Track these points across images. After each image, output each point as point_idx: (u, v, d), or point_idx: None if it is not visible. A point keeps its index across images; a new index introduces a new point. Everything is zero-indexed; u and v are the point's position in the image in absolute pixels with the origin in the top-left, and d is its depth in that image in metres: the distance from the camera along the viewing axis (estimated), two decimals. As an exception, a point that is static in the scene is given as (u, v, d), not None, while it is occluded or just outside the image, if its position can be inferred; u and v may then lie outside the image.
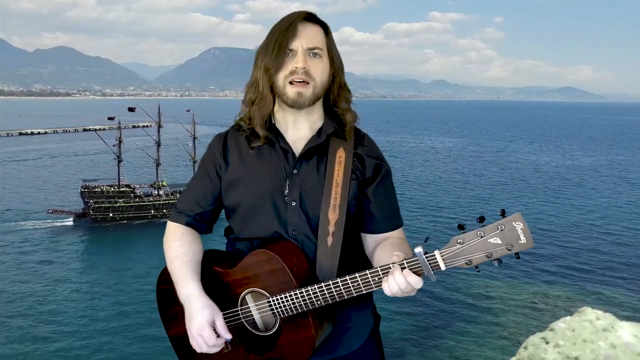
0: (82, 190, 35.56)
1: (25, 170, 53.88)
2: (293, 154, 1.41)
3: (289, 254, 1.33)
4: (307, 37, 1.36)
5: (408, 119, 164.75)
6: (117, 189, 36.21)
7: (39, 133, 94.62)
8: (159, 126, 41.19)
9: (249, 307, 1.36)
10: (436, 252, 1.17)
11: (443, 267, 1.17)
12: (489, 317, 19.41)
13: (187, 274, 1.38)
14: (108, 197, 35.28)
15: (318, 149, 1.42)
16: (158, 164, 38.27)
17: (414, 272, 1.18)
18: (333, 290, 1.26)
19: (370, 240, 1.45)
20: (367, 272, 1.23)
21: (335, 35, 1.45)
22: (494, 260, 1.15)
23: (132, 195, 36.28)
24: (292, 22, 1.36)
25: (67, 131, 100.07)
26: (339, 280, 1.25)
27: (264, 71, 1.37)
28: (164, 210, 34.87)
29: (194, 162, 39.04)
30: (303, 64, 1.34)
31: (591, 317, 0.88)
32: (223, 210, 1.51)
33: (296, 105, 1.37)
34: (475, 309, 20.06)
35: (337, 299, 1.27)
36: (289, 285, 1.29)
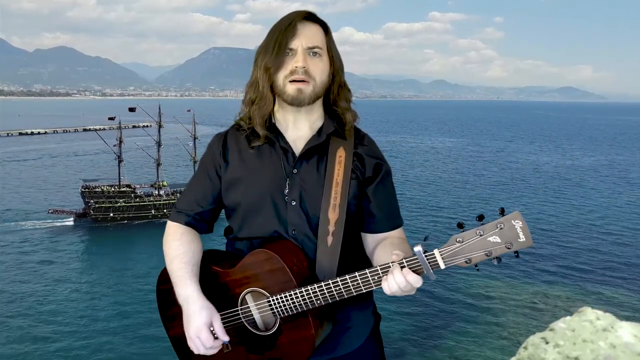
0: (83, 190, 35.55)
1: (25, 170, 53.88)
2: (293, 153, 1.41)
3: (288, 253, 1.33)
4: (306, 37, 1.36)
5: (408, 119, 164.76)
6: (117, 189, 36.21)
7: (39, 133, 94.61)
8: (160, 126, 41.22)
9: (249, 307, 1.36)
10: (435, 251, 1.17)
11: (442, 266, 1.17)
12: (489, 317, 19.41)
13: (185, 274, 1.38)
14: (108, 197, 35.28)
15: (318, 149, 1.42)
16: (158, 164, 38.29)
17: (413, 271, 1.18)
18: (333, 289, 1.26)
19: (370, 239, 1.45)
20: (367, 271, 1.23)
21: (335, 35, 1.45)
22: (494, 258, 1.15)
23: (132, 195, 36.29)
24: (292, 21, 1.36)
25: (67, 131, 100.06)
26: (338, 279, 1.25)
27: (263, 70, 1.37)
28: (165, 210, 34.87)
29: (195, 162, 39.08)
30: (303, 63, 1.34)
31: (591, 317, 0.88)
32: (223, 210, 1.51)
33: (296, 102, 1.37)
34: (475, 309, 20.06)
35: (337, 299, 1.27)
36: (288, 285, 1.29)
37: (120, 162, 37.12)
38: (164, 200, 36.06)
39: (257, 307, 1.35)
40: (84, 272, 25.48)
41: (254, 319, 1.36)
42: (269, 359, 1.37)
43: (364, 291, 1.25)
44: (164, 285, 1.47)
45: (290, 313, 1.30)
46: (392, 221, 1.46)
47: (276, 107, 1.45)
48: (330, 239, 1.35)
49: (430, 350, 17.16)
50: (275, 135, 1.42)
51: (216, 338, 1.34)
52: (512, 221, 1.12)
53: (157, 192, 37.09)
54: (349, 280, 1.24)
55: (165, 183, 38.02)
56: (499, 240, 1.13)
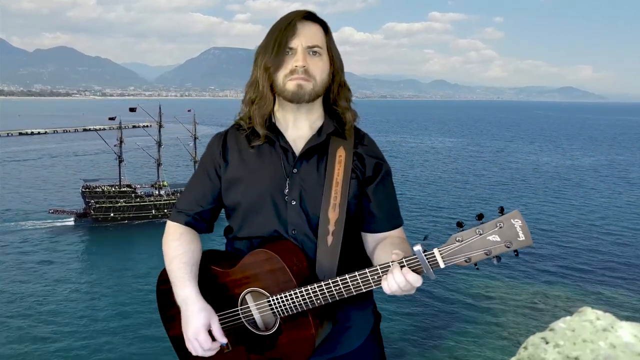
0: (83, 190, 35.56)
1: (25, 170, 53.88)
2: (293, 153, 1.41)
3: (288, 253, 1.33)
4: (306, 36, 1.35)
5: (408, 119, 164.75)
6: (118, 189, 36.22)
7: (39, 133, 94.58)
8: (160, 126, 41.24)
9: (249, 307, 1.36)
10: (435, 250, 1.17)
11: (442, 265, 1.17)
12: (489, 317, 19.40)
13: (184, 275, 1.38)
14: (109, 197, 35.28)
15: (318, 148, 1.41)
16: (159, 164, 38.29)
17: (413, 271, 1.18)
18: (333, 289, 1.26)
19: (370, 239, 1.45)
20: (367, 270, 1.23)
21: (335, 35, 1.45)
22: (493, 257, 1.15)
23: (133, 195, 36.29)
24: (292, 20, 1.36)
25: (67, 131, 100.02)
26: (338, 279, 1.25)
27: (263, 70, 1.37)
28: (165, 210, 34.87)
29: (195, 162, 39.08)
30: (303, 62, 1.34)
31: (591, 317, 0.88)
32: (223, 209, 1.51)
33: (296, 98, 1.36)
34: (475, 309, 20.06)
35: (337, 298, 1.27)
36: (288, 285, 1.29)
37: (120, 162, 37.14)
38: (164, 200, 36.06)
39: (257, 307, 1.35)
40: (84, 272, 25.48)
41: (254, 318, 1.36)
42: (269, 358, 1.37)
43: (364, 291, 1.25)
44: (164, 286, 1.47)
45: (290, 313, 1.30)
46: (392, 221, 1.46)
47: (276, 107, 1.44)
48: (330, 239, 1.35)
49: (430, 350, 17.16)
50: (275, 135, 1.42)
51: (214, 340, 1.35)
52: (512, 220, 1.12)
53: (157, 192, 37.09)
54: (348, 280, 1.24)
55: (165, 183, 38.03)
56: (499, 239, 1.13)
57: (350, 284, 1.24)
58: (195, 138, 41.42)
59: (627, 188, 45.10)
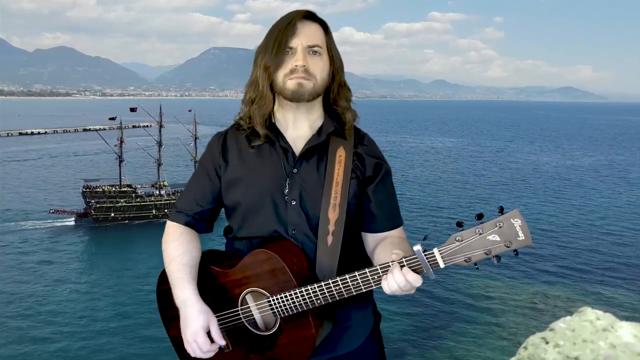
0: (84, 190, 35.56)
1: (25, 170, 53.88)
2: (293, 153, 1.41)
3: (288, 253, 1.33)
4: (306, 35, 1.36)
5: (408, 119, 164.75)
6: (118, 189, 36.22)
7: (39, 133, 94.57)
8: (161, 126, 41.25)
9: (249, 307, 1.36)
10: (435, 250, 1.17)
11: (442, 265, 1.17)
12: (489, 317, 19.40)
13: (183, 277, 1.38)
14: (109, 197, 35.29)
15: (318, 148, 1.41)
16: (159, 164, 38.29)
17: (413, 270, 1.18)
18: (333, 289, 1.26)
19: (370, 239, 1.45)
20: (367, 270, 1.23)
21: (335, 35, 1.45)
22: (493, 257, 1.15)
23: (133, 195, 36.31)
24: (292, 20, 1.36)
25: (67, 131, 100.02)
26: (338, 279, 1.25)
27: (263, 69, 1.37)
28: (166, 210, 34.85)
29: (195, 162, 39.04)
30: (303, 62, 1.34)
31: (591, 317, 0.88)
32: (222, 209, 1.51)
33: (296, 97, 1.36)
34: (475, 309, 20.06)
35: (337, 298, 1.27)
36: (288, 285, 1.29)
37: (121, 162, 37.14)
38: (164, 200, 36.07)
39: (257, 307, 1.35)
40: (84, 273, 25.47)
41: (254, 319, 1.36)
42: (270, 358, 1.37)
43: (364, 291, 1.25)
44: (164, 286, 1.47)
45: (291, 313, 1.30)
46: (392, 221, 1.46)
47: (276, 107, 1.44)
48: (330, 239, 1.35)
49: (430, 350, 17.16)
50: (275, 135, 1.42)
51: (213, 342, 1.35)
52: (511, 220, 1.12)
53: (158, 192, 37.10)
54: (348, 280, 1.24)
55: (166, 183, 38.04)
56: (498, 239, 1.13)
57: (350, 284, 1.24)
58: (195, 138, 41.43)
59: (627, 188, 45.10)
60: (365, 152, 1.44)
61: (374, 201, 1.43)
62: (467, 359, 16.69)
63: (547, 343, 0.86)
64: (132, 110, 44.32)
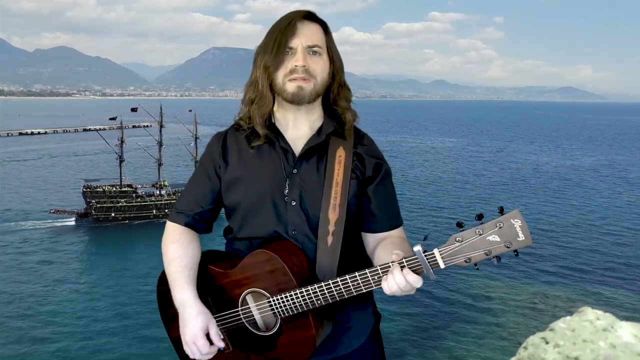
0: (84, 190, 35.56)
1: (25, 170, 53.88)
2: (293, 153, 1.41)
3: (288, 253, 1.33)
4: (306, 35, 1.35)
5: (408, 119, 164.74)
6: (119, 189, 36.23)
7: (39, 133, 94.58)
8: (161, 126, 41.24)
9: (249, 308, 1.36)
10: (435, 251, 1.17)
11: (442, 266, 1.17)
12: (489, 317, 19.40)
13: (182, 279, 1.38)
14: (110, 197, 35.30)
15: (318, 148, 1.41)
16: (160, 164, 38.29)
17: (413, 271, 1.18)
18: (333, 289, 1.26)
19: (370, 239, 1.45)
20: (367, 271, 1.23)
21: (335, 35, 1.45)
22: (493, 257, 1.15)
23: (134, 195, 36.31)
24: (292, 20, 1.36)
25: (67, 131, 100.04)
26: (338, 279, 1.25)
27: (263, 70, 1.37)
28: (166, 210, 34.85)
29: (196, 162, 39.04)
30: (303, 62, 1.34)
31: (591, 317, 0.88)
32: (222, 209, 1.51)
33: (296, 99, 1.36)
34: (475, 310, 20.06)
35: (337, 299, 1.27)
36: (289, 285, 1.29)
37: (121, 162, 37.14)
38: (165, 200, 36.09)
39: (257, 308, 1.35)
40: (84, 273, 25.47)
41: (254, 319, 1.36)
42: (270, 359, 1.37)
43: (364, 291, 1.25)
44: (164, 286, 1.47)
45: (291, 313, 1.30)
46: (392, 221, 1.46)
47: (276, 107, 1.44)
48: (330, 239, 1.35)
49: (430, 350, 17.16)
50: (275, 135, 1.41)
51: (212, 344, 1.35)
52: (511, 220, 1.12)
53: (158, 192, 37.11)
54: (349, 280, 1.24)
55: (166, 183, 38.05)
56: (498, 240, 1.13)
57: (350, 284, 1.24)
58: (196, 138, 41.43)
59: (627, 188, 45.09)
60: (365, 152, 1.44)
61: (374, 201, 1.42)
62: (467, 359, 16.69)
63: (547, 343, 0.86)
64: (133, 110, 44.25)
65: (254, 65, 1.41)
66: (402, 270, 1.18)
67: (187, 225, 1.46)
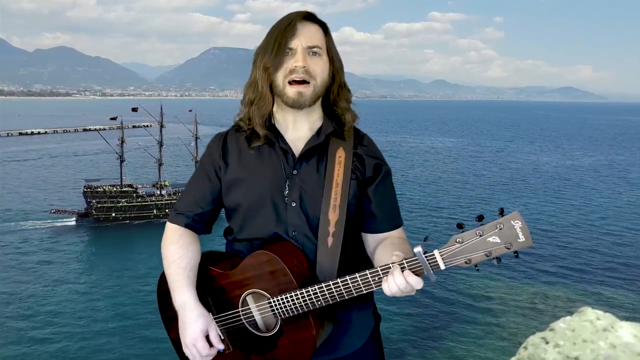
0: (85, 190, 35.57)
1: (25, 170, 53.88)
2: (293, 154, 1.41)
3: (289, 254, 1.33)
4: (306, 36, 1.35)
5: (408, 119, 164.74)
6: (119, 189, 36.24)
7: (39, 133, 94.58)
8: (162, 126, 41.25)
9: (249, 308, 1.36)
10: (435, 252, 1.17)
11: (443, 267, 1.17)
12: (489, 317, 19.40)
13: (182, 280, 1.38)
14: (110, 197, 35.31)
15: (318, 149, 1.41)
16: (160, 164, 38.29)
17: (413, 272, 1.18)
18: (333, 290, 1.26)
19: (370, 239, 1.45)
20: (367, 272, 1.23)
21: (335, 35, 1.45)
22: (493, 259, 1.15)
23: (134, 195, 36.33)
24: (292, 21, 1.36)
25: (67, 131, 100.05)
26: (339, 280, 1.25)
27: (263, 70, 1.37)
28: (167, 210, 34.84)
29: (196, 162, 39.04)
30: (303, 63, 1.34)
31: (591, 317, 0.88)
32: (223, 210, 1.51)
33: (297, 105, 1.37)
34: (475, 310, 20.05)
35: (338, 299, 1.27)
36: (289, 286, 1.29)
37: (122, 162, 37.14)
38: (165, 200, 36.10)
39: (258, 309, 1.35)
40: (84, 273, 25.46)
41: (255, 320, 1.36)
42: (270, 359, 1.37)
43: (365, 292, 1.25)
44: (164, 287, 1.47)
45: (291, 314, 1.30)
46: (393, 221, 1.46)
47: (275, 108, 1.44)
48: (330, 240, 1.35)
49: (430, 351, 17.16)
50: (275, 136, 1.41)
51: (212, 346, 1.35)
52: (512, 221, 1.13)
53: (159, 192, 37.12)
54: (349, 281, 1.24)
55: (167, 183, 38.05)
56: (499, 241, 1.13)
57: (350, 285, 1.24)
58: (196, 138, 41.44)
59: (627, 188, 45.09)
60: (364, 153, 1.44)
61: (374, 202, 1.42)
62: (467, 359, 16.69)
63: (547, 343, 0.86)
64: (134, 110, 44.28)
65: (254, 66, 1.41)
66: (403, 272, 1.18)
67: (187, 226, 1.46)
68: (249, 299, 1.35)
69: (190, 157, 44.71)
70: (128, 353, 17.34)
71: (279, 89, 1.37)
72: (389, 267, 1.20)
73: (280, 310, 1.30)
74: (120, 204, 35.19)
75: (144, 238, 31.05)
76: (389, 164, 1.48)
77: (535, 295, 21.32)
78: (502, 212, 1.14)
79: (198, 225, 1.48)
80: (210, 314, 1.40)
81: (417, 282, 1.18)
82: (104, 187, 36.00)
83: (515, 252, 1.14)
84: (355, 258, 1.43)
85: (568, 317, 0.90)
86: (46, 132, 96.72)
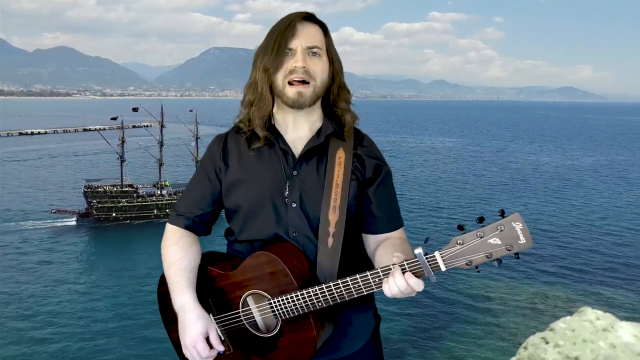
0: (86, 190, 35.57)
1: (25, 170, 53.88)
2: (293, 155, 1.41)
3: (289, 255, 1.33)
4: (306, 37, 1.36)
5: (408, 119, 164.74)
6: (120, 189, 36.25)
7: (39, 133, 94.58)
8: (162, 126, 41.26)
9: (250, 309, 1.36)
10: (436, 253, 1.17)
11: (443, 268, 1.17)
12: (489, 317, 19.40)
13: (182, 282, 1.38)
14: (111, 197, 35.32)
15: (318, 150, 1.41)
16: (161, 164, 38.30)
17: (414, 273, 1.19)
18: (334, 291, 1.26)
19: (371, 240, 1.45)
20: (368, 273, 1.23)
21: (335, 35, 1.45)
22: (494, 260, 1.15)
23: (135, 195, 36.34)
24: (291, 21, 1.36)
25: (67, 131, 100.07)
26: (339, 281, 1.25)
27: (262, 71, 1.37)
28: (167, 210, 34.86)
29: (197, 162, 39.06)
30: (302, 63, 1.34)
31: (591, 317, 0.88)
32: (223, 210, 1.51)
33: (296, 105, 1.37)
34: (475, 310, 20.05)
35: (338, 300, 1.27)
36: (290, 287, 1.29)
37: (122, 162, 37.15)
38: (166, 200, 36.11)
39: (258, 309, 1.35)
40: (84, 273, 25.46)
41: (255, 320, 1.36)
42: (270, 360, 1.37)
43: (365, 293, 1.25)
44: (165, 288, 1.47)
45: (292, 315, 1.30)
46: (393, 222, 1.46)
47: (275, 109, 1.44)
48: (330, 241, 1.35)
49: (430, 351, 17.16)
50: (274, 137, 1.41)
51: (212, 347, 1.36)
52: (512, 223, 1.13)
53: (159, 192, 37.12)
54: (350, 283, 1.24)
55: (167, 183, 38.06)
56: (500, 242, 1.14)
57: (351, 286, 1.25)
58: (197, 138, 41.45)
59: (627, 188, 45.09)
60: (365, 154, 1.44)
61: (375, 202, 1.42)
62: (467, 359, 16.69)
63: (547, 343, 0.86)
64: (135, 110, 44.29)
65: (254, 66, 1.41)
66: (404, 274, 1.18)
67: (186, 228, 1.46)
68: (250, 300, 1.35)
69: (190, 157, 44.73)
70: (128, 353, 17.33)
71: (279, 89, 1.37)
72: (390, 269, 1.21)
73: (280, 311, 1.30)
74: (121, 204, 35.20)
75: (144, 238, 31.05)
76: (389, 164, 1.48)
77: (535, 295, 21.32)
78: (502, 214, 1.14)
79: (198, 226, 1.48)
80: (211, 314, 1.40)
81: (418, 285, 1.18)
82: (105, 187, 36.00)
83: (516, 253, 1.14)
84: (356, 259, 1.43)
85: (568, 317, 0.90)
86: (46, 132, 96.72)
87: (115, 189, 36.01)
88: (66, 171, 53.29)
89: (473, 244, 1.15)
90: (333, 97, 1.45)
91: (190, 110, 46.15)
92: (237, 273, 1.36)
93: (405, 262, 1.19)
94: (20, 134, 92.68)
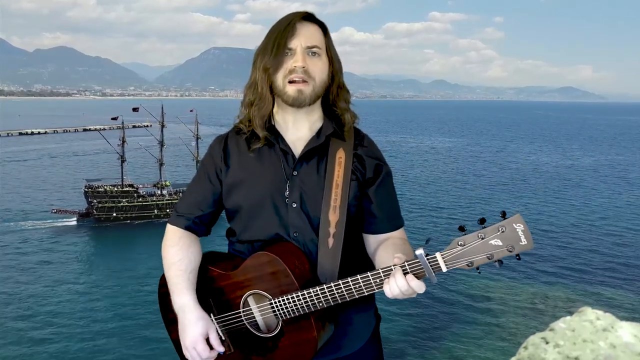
0: (86, 190, 35.58)
1: (25, 170, 53.88)
2: (293, 155, 1.41)
3: (290, 255, 1.33)
4: (305, 36, 1.36)
5: (408, 119, 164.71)
6: (120, 189, 36.25)
7: (39, 133, 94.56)
8: (162, 126, 41.25)
9: (251, 309, 1.36)
10: (437, 254, 1.17)
11: (444, 269, 1.17)
12: (489, 318, 19.40)
13: (182, 283, 1.39)
14: (111, 197, 35.32)
15: (318, 150, 1.41)
16: (161, 164, 38.30)
17: (415, 274, 1.19)
18: (335, 292, 1.26)
19: (372, 240, 1.45)
20: (369, 273, 1.24)
21: (335, 35, 1.45)
22: (495, 261, 1.15)
23: (135, 195, 36.34)
24: (291, 21, 1.36)
25: (67, 131, 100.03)
26: (340, 282, 1.25)
27: (262, 71, 1.37)
28: (167, 210, 34.86)
29: (197, 162, 39.08)
30: (302, 63, 1.34)
31: (591, 317, 0.88)
32: (223, 210, 1.51)
33: (296, 103, 1.37)
34: (475, 310, 20.05)
35: (339, 301, 1.27)
36: (290, 287, 1.29)
37: (123, 162, 37.15)
38: (166, 200, 36.12)
39: (259, 309, 1.35)
40: (84, 273, 25.45)
41: (256, 320, 1.36)
42: (271, 360, 1.37)
43: (366, 294, 1.25)
44: (165, 289, 1.47)
45: (292, 315, 1.30)
46: (393, 222, 1.46)
47: (275, 109, 1.44)
48: (331, 241, 1.35)
49: (430, 351, 17.16)
50: (275, 137, 1.41)
51: (212, 348, 1.36)
52: (514, 224, 1.13)
53: (159, 192, 37.13)
54: (350, 283, 1.25)
55: (168, 183, 38.07)
56: (501, 244, 1.14)
57: (352, 287, 1.25)
58: (197, 138, 41.46)
59: (627, 188, 45.08)
60: (365, 154, 1.44)
61: (375, 202, 1.42)
62: (467, 359, 16.69)
63: (547, 343, 0.86)
64: (135, 110, 44.28)
65: (254, 67, 1.41)
66: (405, 276, 1.18)
67: (187, 228, 1.46)
68: (250, 300, 1.36)
69: (191, 157, 44.70)
70: (128, 353, 17.33)
71: (279, 89, 1.37)
72: (391, 269, 1.21)
73: (281, 311, 1.31)
74: (121, 204, 35.21)
75: (144, 238, 31.04)
76: (389, 164, 1.48)
77: (535, 295, 21.32)
78: (504, 215, 1.14)
79: (198, 227, 1.48)
80: (211, 314, 1.40)
81: (419, 286, 1.18)
82: (105, 187, 36.01)
83: (517, 254, 1.14)
84: (356, 259, 1.43)
85: (568, 317, 0.90)
86: (46, 132, 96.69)
87: (115, 189, 36.01)
88: (66, 171, 53.28)
89: (474, 245, 1.15)
90: (333, 96, 1.45)
91: (191, 110, 46.12)
92: (238, 273, 1.37)
93: (406, 263, 1.19)
94: (20, 133, 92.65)
